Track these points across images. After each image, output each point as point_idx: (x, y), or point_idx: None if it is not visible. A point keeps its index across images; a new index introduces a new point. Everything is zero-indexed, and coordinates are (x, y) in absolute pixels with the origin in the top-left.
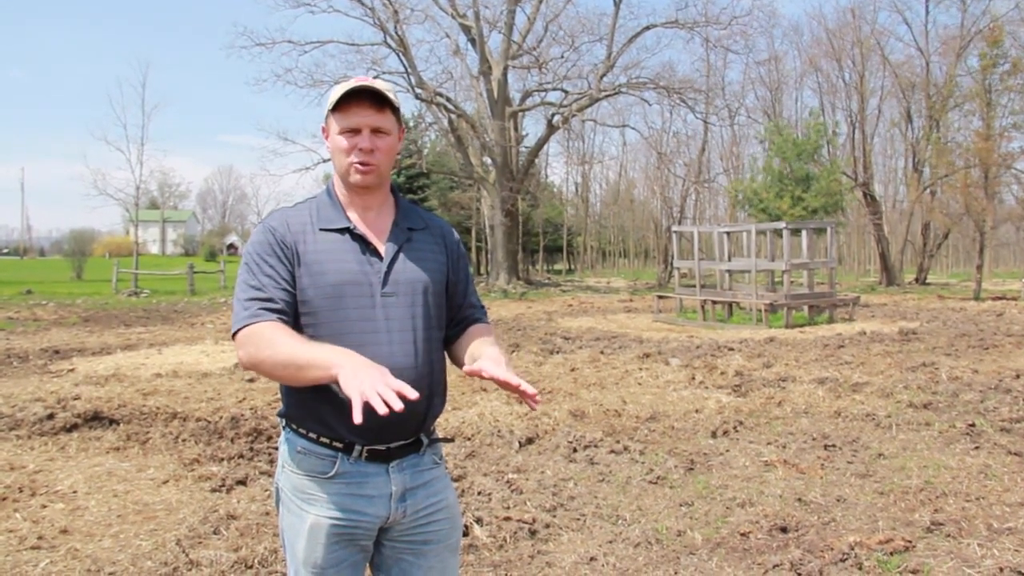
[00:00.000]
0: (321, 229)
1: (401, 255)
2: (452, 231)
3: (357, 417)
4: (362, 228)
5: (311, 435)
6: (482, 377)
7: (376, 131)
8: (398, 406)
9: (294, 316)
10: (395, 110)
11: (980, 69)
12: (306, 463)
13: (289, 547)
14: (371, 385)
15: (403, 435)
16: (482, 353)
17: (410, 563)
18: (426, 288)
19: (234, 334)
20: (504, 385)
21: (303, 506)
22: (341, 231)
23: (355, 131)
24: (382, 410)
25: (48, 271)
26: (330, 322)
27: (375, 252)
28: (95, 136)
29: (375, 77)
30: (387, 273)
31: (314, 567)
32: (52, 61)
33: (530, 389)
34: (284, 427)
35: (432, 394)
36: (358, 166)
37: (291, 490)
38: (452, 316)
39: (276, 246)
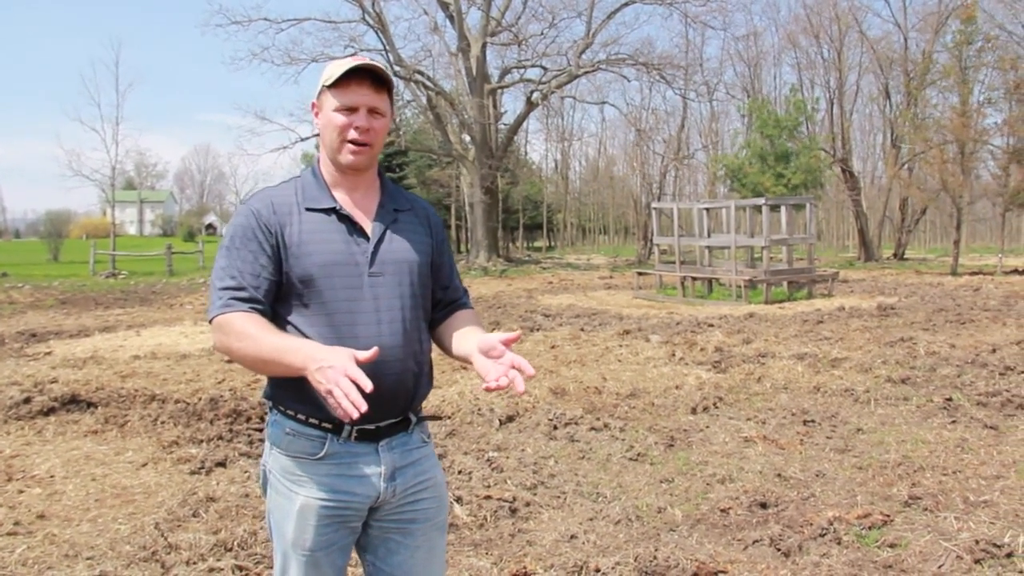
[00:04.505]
0: (307, 209)
1: (388, 235)
2: (435, 212)
3: (352, 414)
4: (348, 208)
5: (299, 416)
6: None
7: (373, 111)
8: (363, 409)
9: (272, 301)
10: (391, 92)
11: (954, 46)
12: (295, 445)
13: (277, 530)
14: (335, 382)
15: (392, 414)
16: (473, 345)
17: (397, 542)
18: (412, 268)
19: (209, 320)
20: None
21: (292, 488)
22: (327, 211)
23: (352, 109)
24: (354, 415)
25: (24, 253)
26: (318, 302)
27: (361, 232)
28: (69, 116)
29: (352, 55)
30: (374, 253)
31: (303, 549)
32: (21, 38)
33: (507, 384)
34: (271, 409)
35: (420, 372)
36: (351, 146)
37: (280, 472)
38: (437, 298)
39: (257, 229)
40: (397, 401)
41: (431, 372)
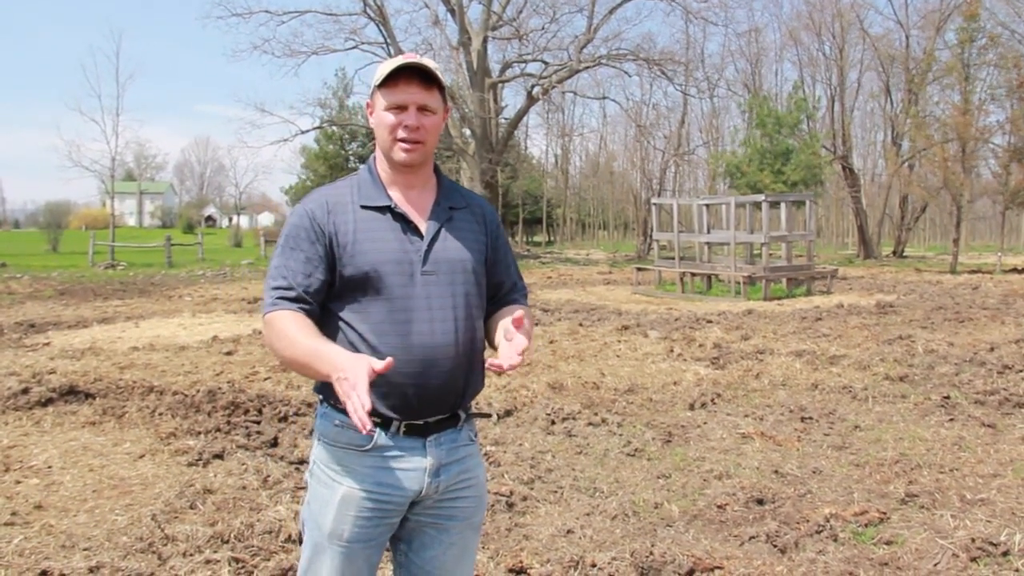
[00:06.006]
0: (362, 207)
1: (442, 234)
2: (493, 210)
3: (360, 431)
4: (403, 207)
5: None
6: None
7: (423, 109)
8: (367, 428)
9: (323, 300)
10: (442, 89)
11: (957, 43)
12: (344, 436)
13: (313, 521)
14: (347, 395)
15: (441, 410)
16: (501, 334)
17: (432, 536)
18: (466, 267)
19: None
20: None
21: (336, 478)
22: (382, 209)
23: (402, 108)
24: (362, 432)
25: (23, 243)
26: (371, 300)
27: (416, 231)
28: (68, 106)
29: (353, 48)
30: (427, 252)
31: (340, 540)
32: (21, 27)
33: (505, 362)
34: (321, 402)
35: (471, 371)
36: (403, 144)
37: (325, 463)
38: (492, 295)
39: (310, 231)
40: (447, 398)
41: (483, 370)
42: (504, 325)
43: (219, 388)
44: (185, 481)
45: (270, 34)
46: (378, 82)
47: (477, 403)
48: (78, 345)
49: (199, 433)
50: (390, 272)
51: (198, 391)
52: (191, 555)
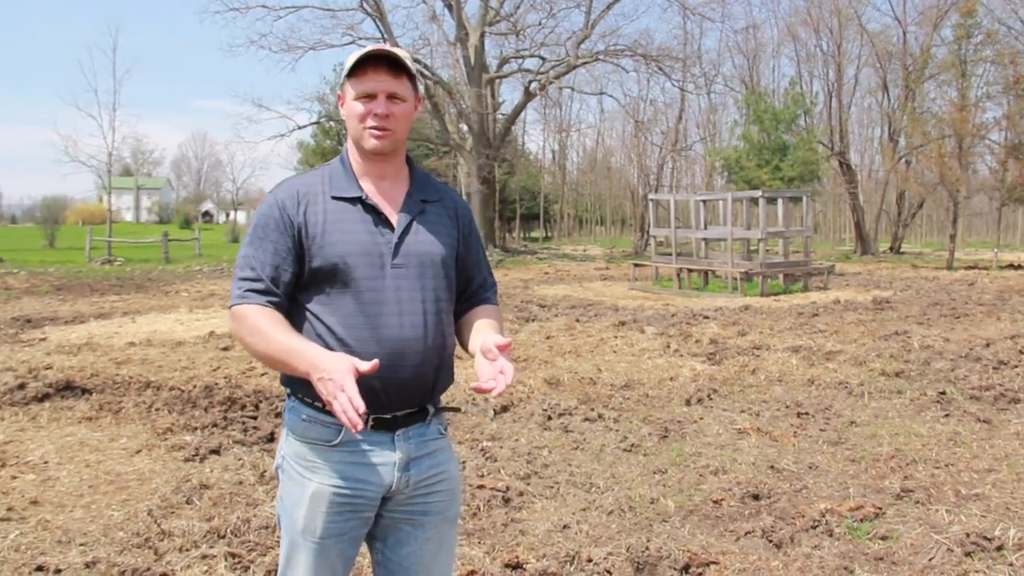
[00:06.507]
0: (333, 197)
1: (413, 227)
2: (466, 204)
3: (351, 429)
4: (375, 198)
5: (317, 403)
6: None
7: (392, 97)
8: (359, 427)
9: (291, 292)
10: (411, 77)
11: (954, 40)
12: (311, 431)
13: (287, 517)
14: (333, 395)
15: (409, 404)
16: (477, 345)
17: (407, 533)
18: (436, 261)
19: (229, 307)
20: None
21: (305, 474)
22: (352, 200)
23: (371, 96)
24: (352, 430)
25: (19, 239)
26: (340, 293)
27: (387, 223)
28: (65, 101)
29: (351, 43)
30: (398, 244)
31: (313, 537)
32: (17, 22)
33: (495, 387)
34: (289, 395)
35: (440, 365)
36: (373, 131)
37: (294, 458)
38: (462, 290)
39: (280, 221)
40: (415, 392)
41: (452, 364)
42: (485, 343)
43: (216, 384)
44: (182, 476)
45: (267, 29)
46: (347, 72)
47: (453, 399)
48: (75, 340)
49: (196, 428)
50: (359, 264)
51: (195, 386)
52: (187, 550)
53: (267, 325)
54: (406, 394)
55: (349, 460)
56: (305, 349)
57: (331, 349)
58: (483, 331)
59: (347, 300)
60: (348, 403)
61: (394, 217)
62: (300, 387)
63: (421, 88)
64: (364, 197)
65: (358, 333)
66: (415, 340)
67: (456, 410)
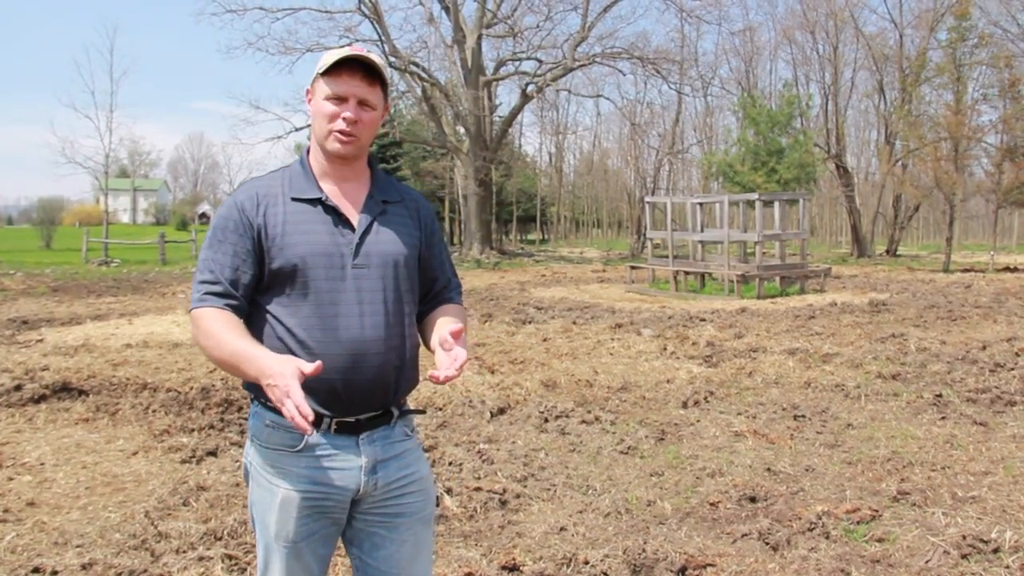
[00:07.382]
0: (293, 199)
1: (374, 227)
2: (427, 205)
3: (305, 429)
4: (335, 199)
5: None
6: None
7: (363, 103)
8: (308, 432)
9: (250, 295)
10: (384, 86)
11: (949, 43)
12: (275, 437)
13: (259, 522)
14: (280, 401)
15: (372, 407)
16: (436, 341)
17: (382, 536)
18: (398, 261)
19: (189, 311)
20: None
21: (273, 480)
22: (313, 202)
23: (342, 99)
24: (304, 434)
25: (16, 240)
26: (300, 294)
27: (347, 224)
28: (62, 103)
29: (348, 44)
30: (359, 245)
31: (286, 541)
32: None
33: (442, 373)
34: (252, 400)
35: (402, 367)
36: (339, 135)
37: (260, 464)
38: (426, 291)
39: (239, 223)
40: (377, 394)
41: (416, 366)
42: (441, 334)
43: (213, 385)
44: (178, 478)
45: (264, 31)
46: (321, 70)
47: (418, 397)
48: (71, 342)
49: (192, 430)
50: (319, 265)
51: (192, 388)
52: (184, 552)
53: (221, 329)
54: (368, 395)
55: (315, 465)
56: (253, 354)
57: (292, 351)
58: (442, 326)
59: (307, 302)
60: (295, 408)
61: (355, 218)
62: (262, 392)
63: (419, 90)
64: (324, 198)
65: (319, 335)
66: (376, 341)
67: (421, 412)
